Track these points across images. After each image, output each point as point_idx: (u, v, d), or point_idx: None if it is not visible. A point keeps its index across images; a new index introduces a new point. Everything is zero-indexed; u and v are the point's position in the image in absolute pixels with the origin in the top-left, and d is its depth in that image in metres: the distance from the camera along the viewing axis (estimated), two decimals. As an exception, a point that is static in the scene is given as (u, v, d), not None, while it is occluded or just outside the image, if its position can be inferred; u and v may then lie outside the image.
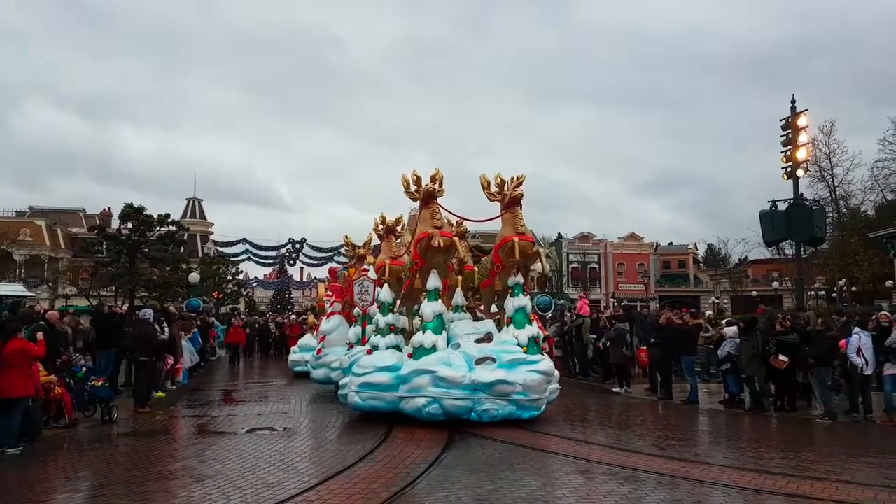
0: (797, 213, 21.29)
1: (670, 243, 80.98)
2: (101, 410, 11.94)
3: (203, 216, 70.55)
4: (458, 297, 13.71)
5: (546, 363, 11.80)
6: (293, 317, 34.86)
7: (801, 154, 21.76)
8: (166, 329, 15.18)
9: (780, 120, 22.29)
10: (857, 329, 12.62)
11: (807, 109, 21.97)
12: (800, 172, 21.98)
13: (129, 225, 35.20)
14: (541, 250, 13.16)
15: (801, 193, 22.59)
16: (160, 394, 14.84)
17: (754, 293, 62.17)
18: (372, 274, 14.66)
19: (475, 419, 10.97)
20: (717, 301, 63.57)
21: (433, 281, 12.32)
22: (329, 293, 19.17)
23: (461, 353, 11.60)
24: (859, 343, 12.24)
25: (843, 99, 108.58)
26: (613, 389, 16.71)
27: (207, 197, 70.66)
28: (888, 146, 38.07)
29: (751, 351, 13.26)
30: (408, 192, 12.81)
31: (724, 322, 17.36)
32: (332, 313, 17.96)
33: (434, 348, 11.53)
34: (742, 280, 69.78)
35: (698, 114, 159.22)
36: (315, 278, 70.37)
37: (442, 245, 11.92)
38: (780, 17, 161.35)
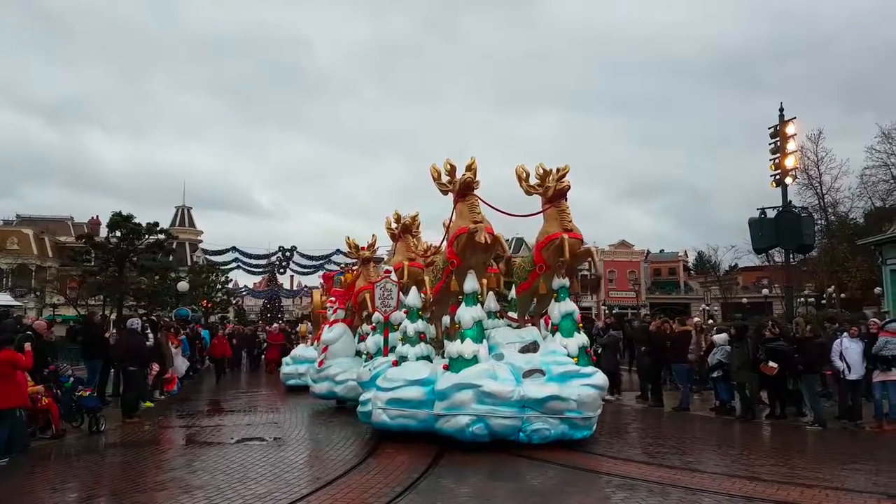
0: (786, 221, 21.40)
1: (661, 251, 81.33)
2: (89, 421, 11.83)
3: (192, 224, 70.23)
4: (491, 302, 12.81)
5: (600, 376, 10.62)
6: (275, 325, 34.03)
7: (790, 162, 21.91)
8: (150, 336, 15.07)
9: (769, 128, 22.43)
10: (843, 334, 12.75)
11: (795, 117, 22.12)
12: (788, 180, 22.11)
13: (118, 233, 35.00)
14: (592, 249, 11.96)
15: (790, 201, 22.72)
16: (148, 404, 14.74)
17: (744, 300, 62.48)
18: (394, 276, 13.43)
19: (523, 440, 9.80)
20: (707, 308, 63.80)
21: (471, 283, 10.94)
22: (332, 299, 17.63)
23: (506, 365, 10.38)
24: (841, 348, 12.39)
25: (817, 102, 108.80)
26: (604, 397, 16.67)
27: (188, 204, 69.41)
28: (875, 154, 38.39)
29: (741, 358, 13.30)
30: (439, 184, 11.59)
31: (714, 329, 17.41)
32: (335, 321, 16.45)
33: (475, 359, 10.18)
34: (732, 287, 70.08)
35: (671, 118, 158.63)
36: (306, 286, 70.16)
37: (488, 241, 10.74)
38: (749, 19, 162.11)
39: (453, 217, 11.60)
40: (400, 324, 12.16)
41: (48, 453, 10.21)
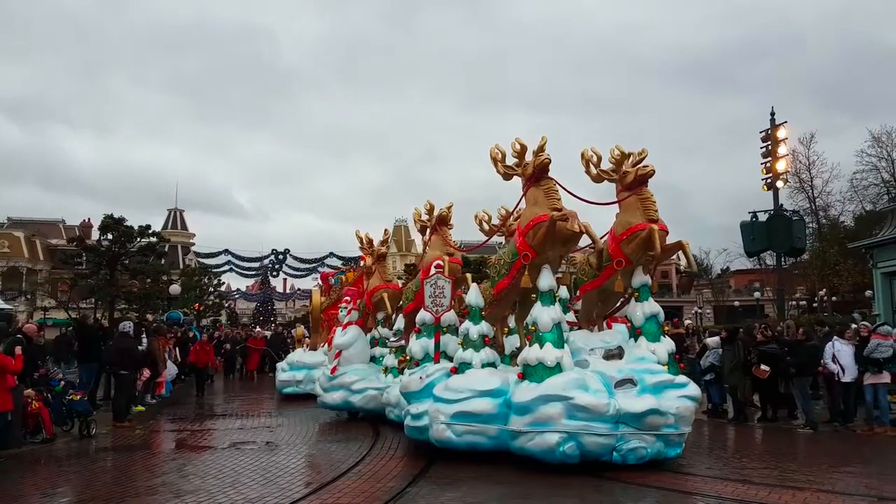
0: (778, 224, 21.57)
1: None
2: (80, 425, 11.77)
3: (184, 227, 70.12)
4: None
5: (694, 387, 9.37)
6: (257, 329, 33.39)
7: (781, 165, 22.06)
8: (143, 341, 14.96)
9: (760, 132, 22.60)
10: (835, 337, 12.81)
11: (786, 121, 22.30)
12: (779, 184, 22.28)
13: (109, 236, 34.83)
14: (685, 242, 10.19)
15: (781, 204, 22.88)
16: (140, 408, 14.67)
17: (736, 303, 62.71)
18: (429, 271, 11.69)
19: (617, 461, 8.55)
20: (699, 311, 63.99)
21: (547, 279, 9.49)
22: (347, 298, 15.85)
23: (596, 374, 9.10)
24: (833, 350, 12.45)
25: (789, 103, 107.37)
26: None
27: (164, 205, 68.49)
28: (865, 158, 38.73)
29: (733, 361, 13.34)
30: (504, 166, 10.24)
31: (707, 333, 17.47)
32: (349, 323, 14.73)
33: (559, 367, 8.84)
34: (724, 290, 70.33)
35: (643, 118, 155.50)
36: (299, 289, 70.05)
37: (582, 230, 9.27)
38: (716, 19, 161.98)
39: (523, 205, 10.29)
40: (449, 325, 11.16)
41: (38, 458, 10.16)
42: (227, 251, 55.73)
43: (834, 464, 9.65)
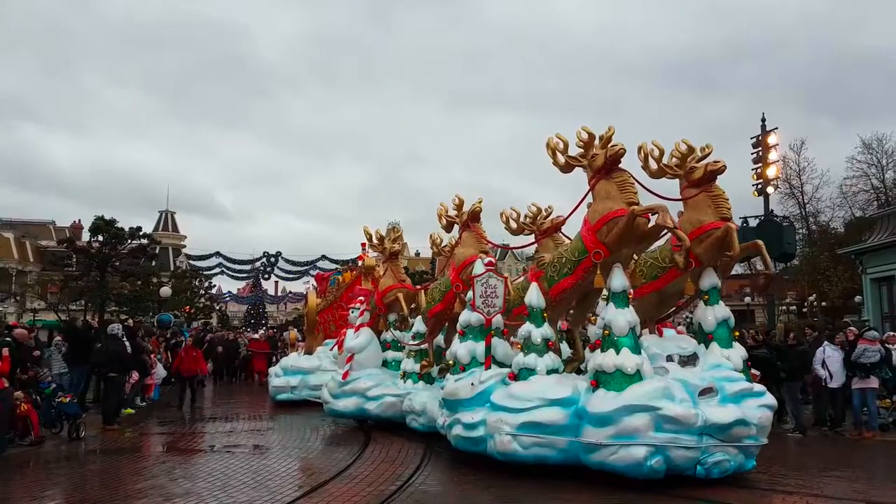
0: (768, 230, 21.66)
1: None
2: (69, 427, 11.72)
3: (175, 229, 69.82)
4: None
5: (770, 396, 8.87)
6: (260, 332, 32.98)
7: (772, 172, 22.20)
8: (126, 344, 14.76)
9: (751, 138, 22.71)
10: (825, 343, 12.90)
11: (776, 128, 22.39)
12: (770, 189, 22.40)
13: (100, 238, 34.72)
14: (760, 242, 9.56)
15: (772, 210, 23.01)
16: (129, 410, 14.60)
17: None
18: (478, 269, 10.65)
19: (701, 475, 7.96)
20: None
21: (620, 279, 8.77)
22: (361, 298, 14.85)
23: (679, 383, 8.36)
24: (823, 355, 12.55)
25: (775, 105, 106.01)
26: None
27: (146, 206, 67.38)
28: (856, 164, 39.04)
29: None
30: (568, 157, 9.47)
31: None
32: (362, 325, 13.85)
33: (638, 374, 8.19)
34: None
35: (625, 120, 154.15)
36: (290, 292, 69.85)
37: (673, 225, 8.72)
38: (699, 20, 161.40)
39: (591, 200, 9.44)
40: (496, 328, 10.29)
41: (27, 460, 10.11)
42: (218, 253, 55.60)
43: (823, 468, 9.74)
